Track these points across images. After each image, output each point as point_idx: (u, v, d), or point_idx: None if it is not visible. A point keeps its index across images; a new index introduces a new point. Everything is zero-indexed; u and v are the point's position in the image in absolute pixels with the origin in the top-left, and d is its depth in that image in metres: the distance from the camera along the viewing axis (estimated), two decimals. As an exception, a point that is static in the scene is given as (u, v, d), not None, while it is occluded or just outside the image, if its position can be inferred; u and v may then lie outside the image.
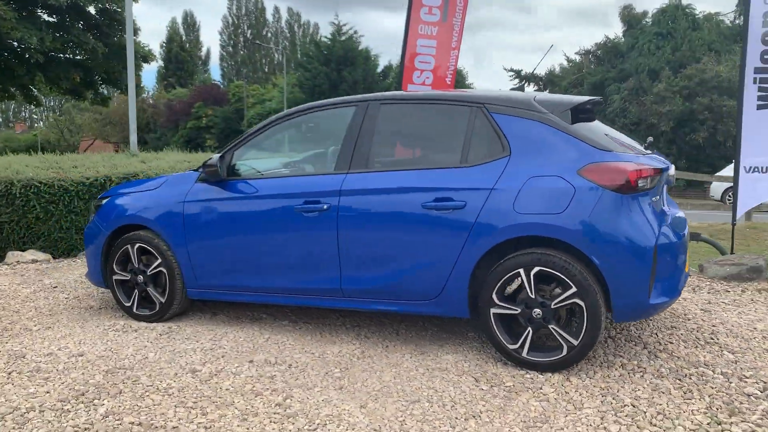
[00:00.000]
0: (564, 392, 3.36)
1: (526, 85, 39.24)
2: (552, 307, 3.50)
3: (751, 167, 8.24)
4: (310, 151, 4.64)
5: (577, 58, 38.74)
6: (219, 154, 4.28)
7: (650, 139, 4.19)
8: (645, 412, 3.12)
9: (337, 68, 36.51)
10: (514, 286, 3.66)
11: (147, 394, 3.38)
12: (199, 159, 9.22)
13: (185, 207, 4.40)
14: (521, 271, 3.52)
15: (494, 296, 3.60)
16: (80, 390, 3.42)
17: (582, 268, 3.43)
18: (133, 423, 3.07)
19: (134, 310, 4.65)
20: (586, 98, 3.80)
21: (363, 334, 4.33)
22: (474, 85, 53.83)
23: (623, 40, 36.08)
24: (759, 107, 8.43)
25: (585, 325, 3.43)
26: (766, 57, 8.57)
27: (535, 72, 37.57)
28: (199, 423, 3.07)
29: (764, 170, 8.20)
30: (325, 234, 3.97)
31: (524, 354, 3.58)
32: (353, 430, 3.00)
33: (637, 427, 2.99)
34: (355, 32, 38.09)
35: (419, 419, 3.09)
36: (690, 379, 3.49)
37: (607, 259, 3.38)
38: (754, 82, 8.53)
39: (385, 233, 3.83)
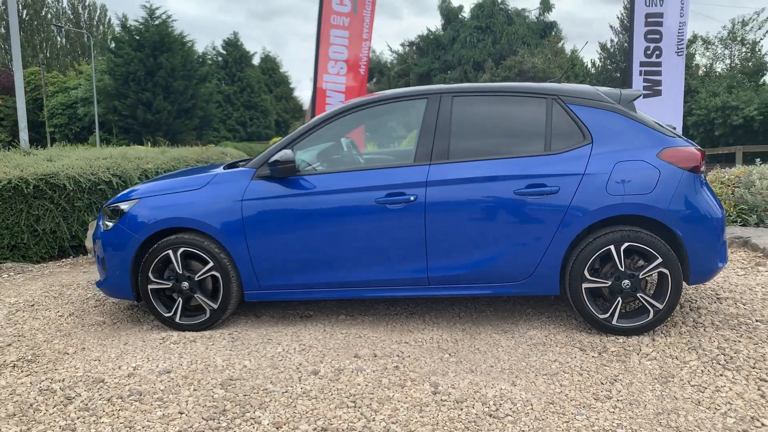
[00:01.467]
0: (661, 350, 3.81)
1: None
2: (639, 277, 3.92)
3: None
4: (377, 143, 4.60)
5: (400, 49, 40.56)
6: (288, 150, 4.10)
7: (674, 126, 4.79)
8: (737, 357, 3.66)
9: (153, 54, 34.36)
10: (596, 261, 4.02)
11: (292, 401, 3.24)
12: (104, 154, 8.38)
13: (244, 206, 4.16)
14: (612, 247, 3.90)
15: (586, 272, 3.94)
16: (217, 406, 3.18)
17: (666, 241, 3.90)
18: (316, 429, 2.96)
19: (177, 320, 4.30)
20: (639, 92, 4.27)
21: (429, 320, 4.45)
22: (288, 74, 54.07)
23: (443, 32, 38.43)
24: (645, 96, 9.64)
25: (669, 290, 3.91)
26: (648, 52, 9.80)
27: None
28: (381, 420, 3.04)
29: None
30: (411, 225, 4.03)
31: (614, 322, 3.98)
32: (530, 406, 3.17)
33: (744, 371, 3.51)
34: (169, 17, 35.99)
35: (573, 388, 3.35)
36: (751, 327, 4.11)
37: (689, 231, 3.88)
38: (640, 74, 9.74)
39: (475, 221, 3.99)
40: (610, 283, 3.96)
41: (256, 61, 48.11)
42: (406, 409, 3.14)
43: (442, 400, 3.23)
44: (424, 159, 4.08)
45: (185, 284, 4.26)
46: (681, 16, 9.72)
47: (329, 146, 4.70)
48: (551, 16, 37.64)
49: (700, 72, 31.21)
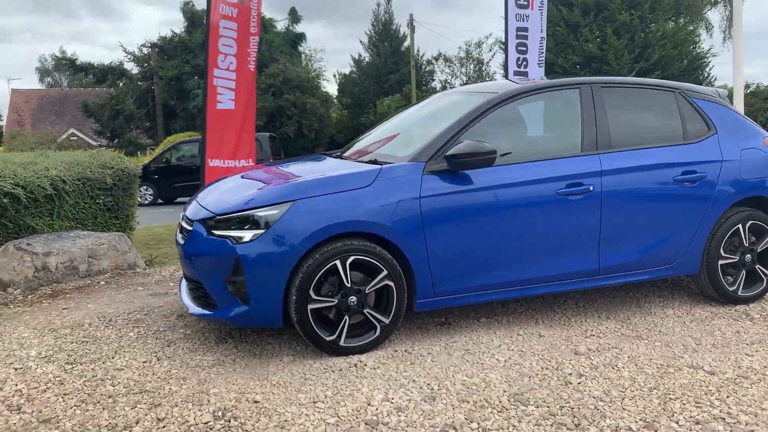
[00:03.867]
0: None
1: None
2: (758, 251, 4.45)
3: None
4: (534, 133, 4.34)
5: (136, 50, 37.52)
6: (472, 141, 3.73)
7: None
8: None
9: None
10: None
11: (617, 401, 3.03)
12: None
13: (422, 204, 3.68)
14: (739, 226, 4.36)
15: (721, 250, 4.35)
16: (563, 423, 2.83)
17: (777, 218, 4.50)
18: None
19: (341, 342, 3.62)
20: (728, 90, 4.83)
21: (566, 315, 4.44)
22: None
23: (191, 36, 36.65)
24: None
25: (776, 261, 4.51)
26: (520, 63, 10.78)
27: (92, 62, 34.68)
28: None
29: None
30: (588, 216, 4.00)
31: (739, 293, 4.45)
32: (792, 370, 3.43)
33: None
34: None
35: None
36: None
37: None
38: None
39: (643, 208, 4.13)
40: (737, 258, 4.41)
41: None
42: (682, 387, 3.16)
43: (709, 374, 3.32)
44: (591, 148, 4.09)
45: (353, 299, 3.61)
46: (541, 32, 10.88)
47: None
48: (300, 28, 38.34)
49: (446, 86, 34.84)
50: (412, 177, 3.73)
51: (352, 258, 3.57)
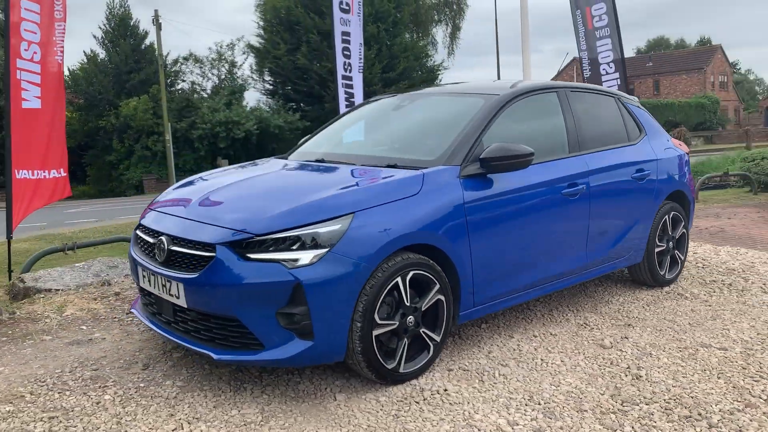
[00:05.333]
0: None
1: None
2: (676, 238, 5.08)
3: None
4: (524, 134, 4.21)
5: None
6: (504, 143, 3.60)
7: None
8: None
9: None
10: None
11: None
12: None
13: (467, 211, 3.47)
14: (666, 217, 4.93)
15: (656, 240, 4.88)
16: (685, 413, 2.92)
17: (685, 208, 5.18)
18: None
19: (401, 369, 3.25)
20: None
21: (563, 305, 4.57)
22: None
23: None
24: (346, 107, 10.71)
25: (686, 241, 5.20)
26: (346, 67, 10.89)
27: None
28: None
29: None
30: (581, 214, 4.16)
31: (666, 276, 5.03)
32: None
33: None
34: None
35: None
36: None
37: (691, 196, 5.23)
38: (342, 86, 10.77)
39: (613, 205, 4.43)
40: (665, 246, 4.99)
41: None
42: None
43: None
44: (575, 150, 4.25)
45: (410, 319, 3.26)
46: (360, 37, 11.04)
47: None
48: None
49: (195, 87, 33.19)
50: (453, 182, 3.49)
51: (411, 273, 3.22)
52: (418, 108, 4.33)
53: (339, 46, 10.63)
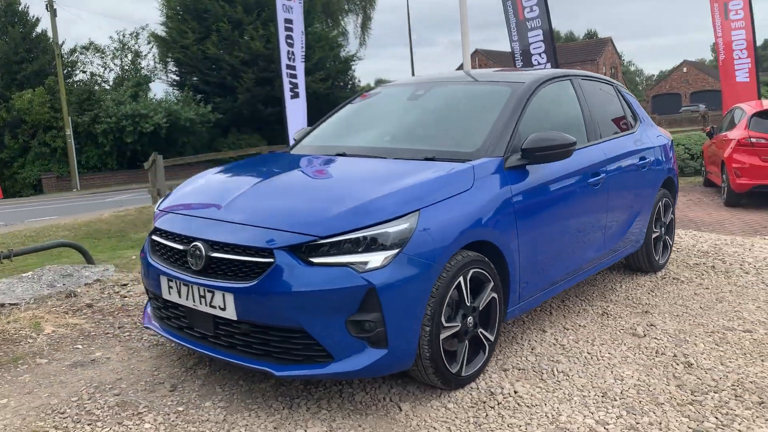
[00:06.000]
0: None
1: None
2: (666, 223, 5.20)
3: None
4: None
5: None
6: (546, 133, 3.48)
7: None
8: None
9: None
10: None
11: None
12: None
13: (514, 204, 3.34)
14: (660, 203, 5.03)
15: (653, 225, 4.97)
16: (758, 399, 2.94)
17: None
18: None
19: (463, 372, 3.09)
20: None
21: (576, 297, 4.54)
22: None
23: None
24: (291, 97, 10.46)
25: (672, 219, 5.33)
26: (290, 56, 10.60)
27: None
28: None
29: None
30: (601, 203, 4.14)
31: (660, 261, 5.14)
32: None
33: None
34: None
35: None
36: None
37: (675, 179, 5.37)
38: (287, 76, 10.49)
39: (627, 192, 4.45)
40: (659, 232, 5.09)
41: None
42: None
43: None
44: (591, 138, 4.22)
45: (470, 320, 3.10)
46: (302, 24, 10.70)
47: None
48: None
49: (96, 79, 31.17)
50: (500, 174, 3.34)
51: (471, 272, 3.05)
52: (436, 98, 4.13)
53: (282, 34, 10.25)
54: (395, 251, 2.74)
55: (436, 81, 4.35)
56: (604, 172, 4.15)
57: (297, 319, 2.70)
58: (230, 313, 2.82)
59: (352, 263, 2.70)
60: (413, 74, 30.09)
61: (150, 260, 3.23)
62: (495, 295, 3.23)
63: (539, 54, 11.69)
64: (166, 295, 3.13)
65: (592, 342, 3.68)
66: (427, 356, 2.88)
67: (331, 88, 30.13)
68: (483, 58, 61.76)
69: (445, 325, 2.93)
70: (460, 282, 2.98)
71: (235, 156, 16.25)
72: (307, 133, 4.40)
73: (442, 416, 2.85)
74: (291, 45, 10.27)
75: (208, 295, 2.89)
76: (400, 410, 2.91)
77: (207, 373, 3.31)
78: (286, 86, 10.12)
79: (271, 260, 2.73)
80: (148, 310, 3.49)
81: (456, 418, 2.83)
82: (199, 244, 2.94)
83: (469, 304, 3.07)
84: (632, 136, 4.74)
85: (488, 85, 4.11)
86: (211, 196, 3.28)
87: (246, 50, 28.13)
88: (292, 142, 4.49)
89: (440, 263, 2.86)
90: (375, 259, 2.72)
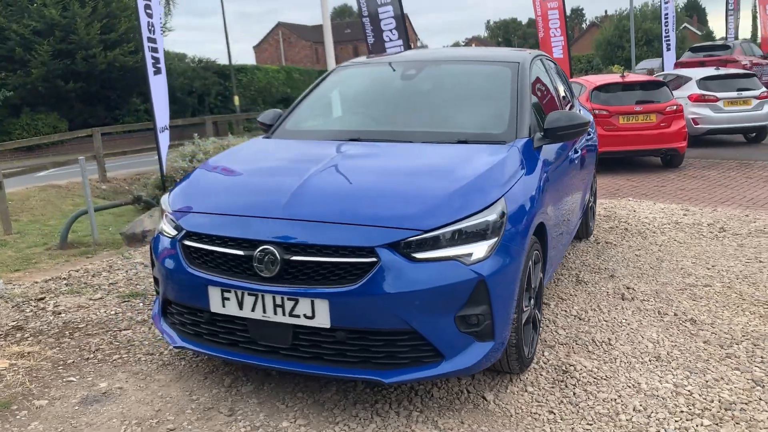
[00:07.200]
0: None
1: None
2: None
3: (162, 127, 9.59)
4: None
5: None
6: (565, 113, 3.57)
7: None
8: None
9: None
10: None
11: None
12: None
13: (544, 183, 3.37)
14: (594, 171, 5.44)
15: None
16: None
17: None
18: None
19: (528, 354, 3.09)
20: None
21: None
22: None
23: None
24: (155, 73, 9.64)
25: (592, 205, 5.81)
26: (150, 28, 9.71)
27: None
28: None
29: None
30: (581, 175, 4.44)
31: (591, 228, 5.56)
32: None
33: None
34: None
35: None
36: None
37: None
38: (148, 50, 9.62)
39: (586, 161, 4.75)
40: (591, 200, 5.49)
41: None
42: None
43: None
44: (563, 114, 4.40)
45: (532, 301, 3.12)
46: (157, -6, 9.74)
47: None
48: None
49: None
50: (536, 154, 3.36)
51: (534, 254, 3.06)
52: (434, 78, 3.97)
53: (141, 3, 9.29)
54: (494, 239, 2.66)
55: (422, 60, 4.22)
56: (580, 147, 4.37)
57: (407, 320, 2.51)
58: (322, 321, 2.54)
59: (457, 256, 2.56)
60: (228, 46, 28.69)
61: (191, 271, 2.76)
62: (542, 274, 3.28)
63: (390, 31, 11.88)
64: (217, 309, 2.71)
65: (599, 309, 3.89)
66: (513, 342, 2.85)
67: (141, 62, 27.72)
68: (286, 30, 61.11)
69: (524, 309, 2.92)
70: (529, 265, 2.97)
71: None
72: (286, 116, 4.01)
73: (529, 400, 2.84)
74: (150, 15, 9.29)
75: (289, 304, 2.56)
76: (487, 401, 2.85)
77: (252, 390, 2.95)
78: (149, 61, 9.16)
79: (374, 260, 2.49)
80: (169, 328, 2.99)
81: (544, 399, 2.85)
82: (270, 247, 2.58)
83: (534, 286, 3.08)
84: (583, 110, 5.03)
85: (481, 64, 4.08)
86: (260, 192, 2.88)
87: (38, 18, 24.82)
88: (261, 126, 4.04)
89: (525, 247, 2.83)
90: (479, 249, 2.61)
